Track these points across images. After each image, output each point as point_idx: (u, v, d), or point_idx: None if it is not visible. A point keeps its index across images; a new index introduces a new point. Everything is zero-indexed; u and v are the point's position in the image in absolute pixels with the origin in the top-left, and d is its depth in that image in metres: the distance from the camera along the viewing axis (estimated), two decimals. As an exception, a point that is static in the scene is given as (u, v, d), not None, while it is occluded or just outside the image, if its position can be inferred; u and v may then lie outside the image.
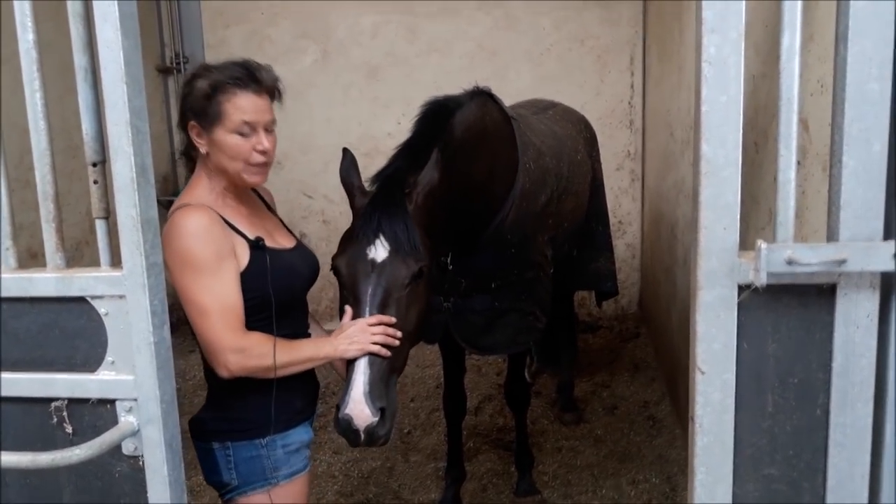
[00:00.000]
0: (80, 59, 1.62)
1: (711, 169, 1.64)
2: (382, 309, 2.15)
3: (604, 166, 4.61)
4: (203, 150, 2.00)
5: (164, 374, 1.67)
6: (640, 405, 4.68)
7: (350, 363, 2.08)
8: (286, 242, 2.15)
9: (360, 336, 2.05)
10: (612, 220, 5.94)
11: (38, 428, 1.74)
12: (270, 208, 2.28)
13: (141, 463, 1.69)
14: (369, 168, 2.47)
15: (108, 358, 1.67)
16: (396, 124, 2.59)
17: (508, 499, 3.71)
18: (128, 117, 1.57)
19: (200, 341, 1.94)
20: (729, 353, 1.68)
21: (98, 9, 1.55)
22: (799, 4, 1.62)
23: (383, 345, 2.09)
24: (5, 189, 1.73)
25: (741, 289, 1.67)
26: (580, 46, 6.24)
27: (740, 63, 1.61)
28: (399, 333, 2.14)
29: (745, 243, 1.68)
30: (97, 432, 1.66)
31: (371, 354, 2.06)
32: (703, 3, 1.61)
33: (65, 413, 1.71)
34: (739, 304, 1.68)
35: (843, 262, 1.61)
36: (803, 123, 2.29)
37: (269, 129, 2.04)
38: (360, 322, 2.10)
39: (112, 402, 1.68)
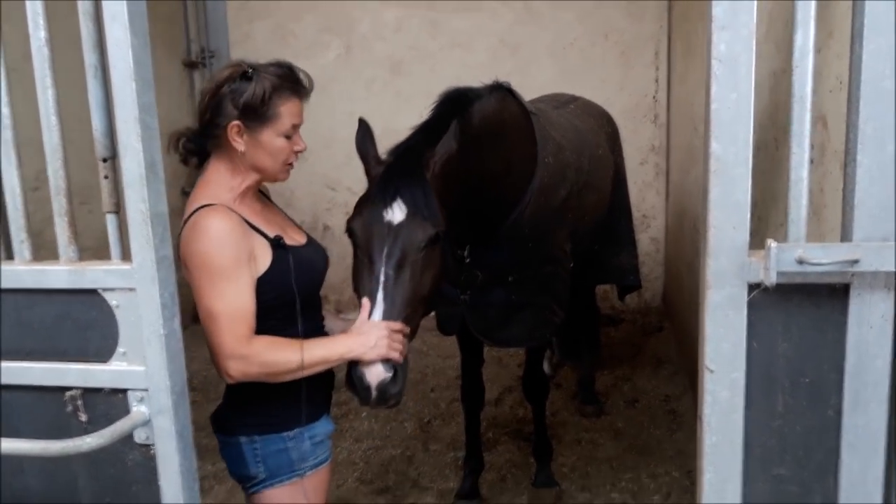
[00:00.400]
0: (89, 57, 1.65)
1: (721, 167, 1.63)
2: (398, 271, 2.16)
3: (628, 160, 4.56)
4: (240, 148, 1.98)
5: (175, 366, 1.70)
6: (662, 399, 4.65)
7: None
8: (299, 237, 2.17)
9: (381, 342, 2.04)
10: (636, 214, 5.90)
11: (54, 416, 1.78)
12: (272, 201, 2.30)
13: (152, 452, 1.73)
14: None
15: (120, 349, 1.71)
16: (418, 119, 2.61)
17: (527, 489, 3.71)
18: (136, 114, 1.60)
19: (208, 343, 1.96)
20: (738, 353, 1.67)
21: (107, 8, 1.58)
22: (813, 3, 1.60)
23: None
24: (19, 183, 1.77)
25: (752, 288, 1.65)
26: (604, 41, 6.18)
27: (751, 61, 1.59)
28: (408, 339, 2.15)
29: (765, 242, 1.66)
30: (110, 421, 1.70)
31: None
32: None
33: (79, 402, 1.75)
34: (750, 304, 1.66)
35: (855, 262, 1.59)
36: (821, 121, 2.25)
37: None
38: (382, 327, 2.08)
39: (124, 391, 1.72)
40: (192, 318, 2.06)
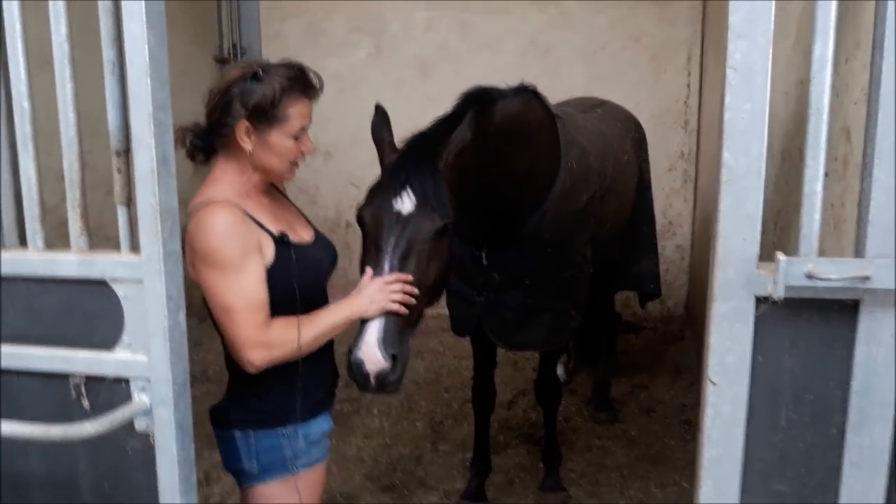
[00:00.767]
0: (107, 53, 1.68)
1: (732, 177, 1.61)
2: (404, 261, 2.17)
3: (656, 166, 4.51)
4: (248, 148, 1.99)
5: (178, 358, 1.72)
6: (678, 409, 4.60)
7: None
8: (306, 234, 2.17)
9: (378, 295, 2.07)
10: (662, 220, 5.84)
11: (59, 402, 1.82)
12: (284, 195, 2.30)
13: (152, 441, 1.75)
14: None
15: (125, 339, 1.74)
16: (444, 118, 2.66)
17: (534, 494, 3.70)
18: (151, 110, 1.62)
19: (225, 338, 1.98)
20: (742, 366, 1.65)
21: (126, 6, 1.60)
22: (833, 13, 1.56)
23: (402, 302, 2.11)
24: (35, 174, 1.80)
25: (760, 301, 1.63)
26: (635, 45, 6.13)
27: (767, 70, 1.57)
28: (416, 291, 2.15)
29: (787, 254, 1.63)
30: (112, 409, 1.73)
31: (390, 313, 2.09)
32: (731, 6, 1.57)
33: (83, 388, 1.78)
34: (757, 317, 1.63)
35: (866, 278, 1.56)
36: (845, 133, 2.21)
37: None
38: (378, 281, 2.11)
39: (127, 380, 1.75)
40: (208, 311, 2.07)
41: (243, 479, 2.14)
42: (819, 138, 1.61)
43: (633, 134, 4.18)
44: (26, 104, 1.80)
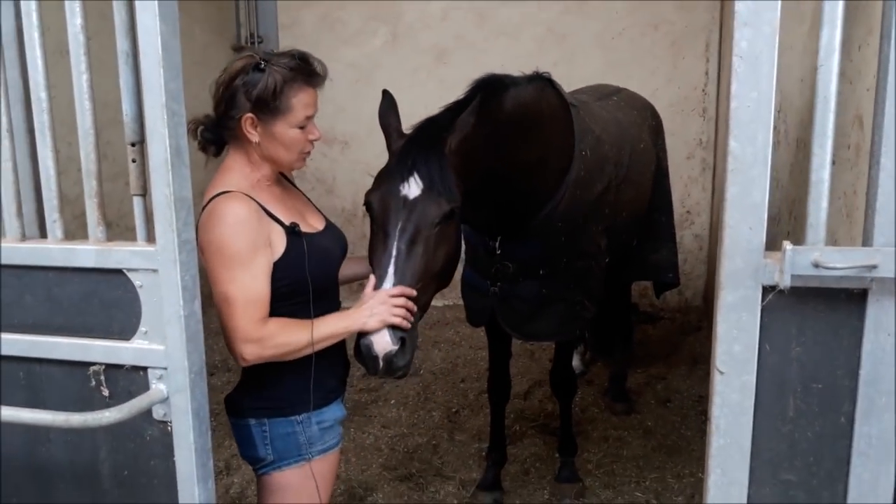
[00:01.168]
0: (121, 44, 1.71)
1: (739, 167, 1.60)
2: (411, 245, 2.19)
3: (674, 154, 4.46)
4: (255, 140, 2.01)
5: (193, 346, 1.76)
6: (695, 399, 4.59)
7: None
8: (317, 223, 2.20)
9: (380, 308, 2.08)
10: (680, 209, 5.79)
11: (80, 390, 1.87)
12: (294, 184, 2.33)
13: (170, 428, 1.79)
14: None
15: (142, 328, 1.78)
16: (460, 107, 2.68)
17: (549, 484, 3.72)
18: (164, 100, 1.65)
19: (222, 328, 2.01)
20: (750, 355, 1.65)
21: (139, -4, 1.63)
22: (840, 2, 1.56)
23: (404, 317, 2.11)
24: (54, 165, 1.84)
25: (767, 290, 1.63)
26: (653, 31, 6.08)
27: (773, 59, 1.56)
28: (415, 308, 2.16)
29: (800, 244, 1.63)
30: (131, 397, 1.77)
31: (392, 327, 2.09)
32: (737, -5, 1.57)
33: (102, 377, 1.82)
34: (764, 306, 1.64)
35: (873, 267, 1.55)
36: (858, 120, 2.19)
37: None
38: (381, 294, 2.12)
39: (144, 369, 1.79)
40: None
41: (259, 467, 2.18)
42: (826, 126, 1.60)
43: (649, 122, 4.15)
44: (44, 94, 1.83)
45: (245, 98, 1.97)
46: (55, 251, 1.82)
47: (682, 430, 4.25)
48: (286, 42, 6.35)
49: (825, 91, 1.60)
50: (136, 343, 1.79)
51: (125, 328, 1.80)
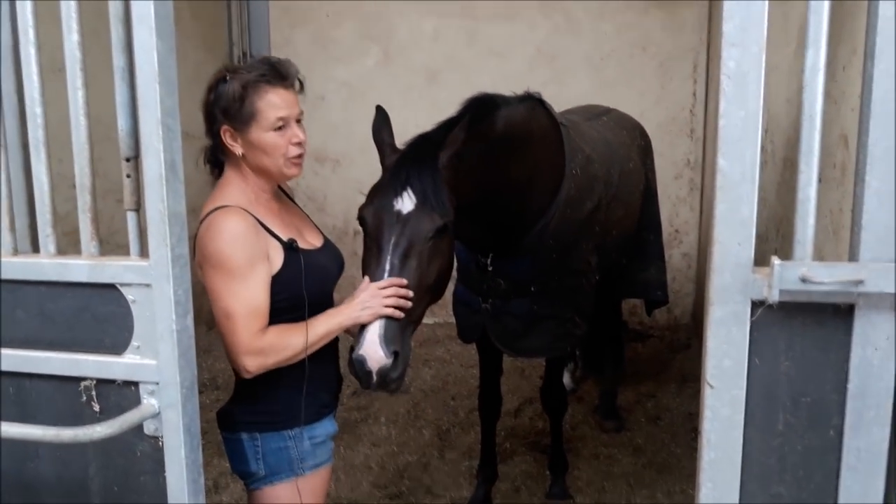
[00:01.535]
0: (118, 59, 1.72)
1: (727, 184, 1.63)
2: (404, 259, 2.21)
3: (662, 175, 4.51)
4: (238, 152, 2.02)
5: (185, 361, 1.76)
6: (685, 417, 4.60)
7: None
8: (315, 240, 2.21)
9: (371, 301, 2.10)
10: (668, 229, 5.84)
11: (70, 405, 1.86)
12: (293, 201, 2.34)
13: (161, 444, 1.78)
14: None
15: (134, 343, 1.77)
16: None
17: (540, 501, 3.71)
18: (159, 116, 1.66)
19: (223, 341, 2.01)
20: (740, 369, 1.67)
21: (136, 10, 1.64)
22: (825, 22, 1.59)
23: (397, 306, 2.13)
24: (48, 180, 1.84)
25: (755, 305, 1.65)
26: (642, 53, 6.16)
27: (760, 78, 1.59)
28: (411, 294, 2.17)
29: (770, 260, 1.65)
30: (122, 412, 1.76)
31: (384, 318, 2.11)
32: (724, 14, 1.60)
33: (93, 392, 1.82)
34: (753, 321, 1.66)
35: (860, 282, 1.58)
36: (843, 139, 2.23)
37: (299, 120, 2.08)
38: (372, 287, 2.14)
39: (136, 384, 1.78)
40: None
41: (250, 481, 2.17)
42: (812, 144, 1.63)
43: (638, 142, 4.20)
44: (39, 110, 1.84)
45: (218, 112, 2.00)
46: (48, 266, 1.82)
47: (672, 447, 4.25)
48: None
49: (811, 110, 1.63)
50: (128, 358, 1.79)
51: (117, 343, 1.80)
